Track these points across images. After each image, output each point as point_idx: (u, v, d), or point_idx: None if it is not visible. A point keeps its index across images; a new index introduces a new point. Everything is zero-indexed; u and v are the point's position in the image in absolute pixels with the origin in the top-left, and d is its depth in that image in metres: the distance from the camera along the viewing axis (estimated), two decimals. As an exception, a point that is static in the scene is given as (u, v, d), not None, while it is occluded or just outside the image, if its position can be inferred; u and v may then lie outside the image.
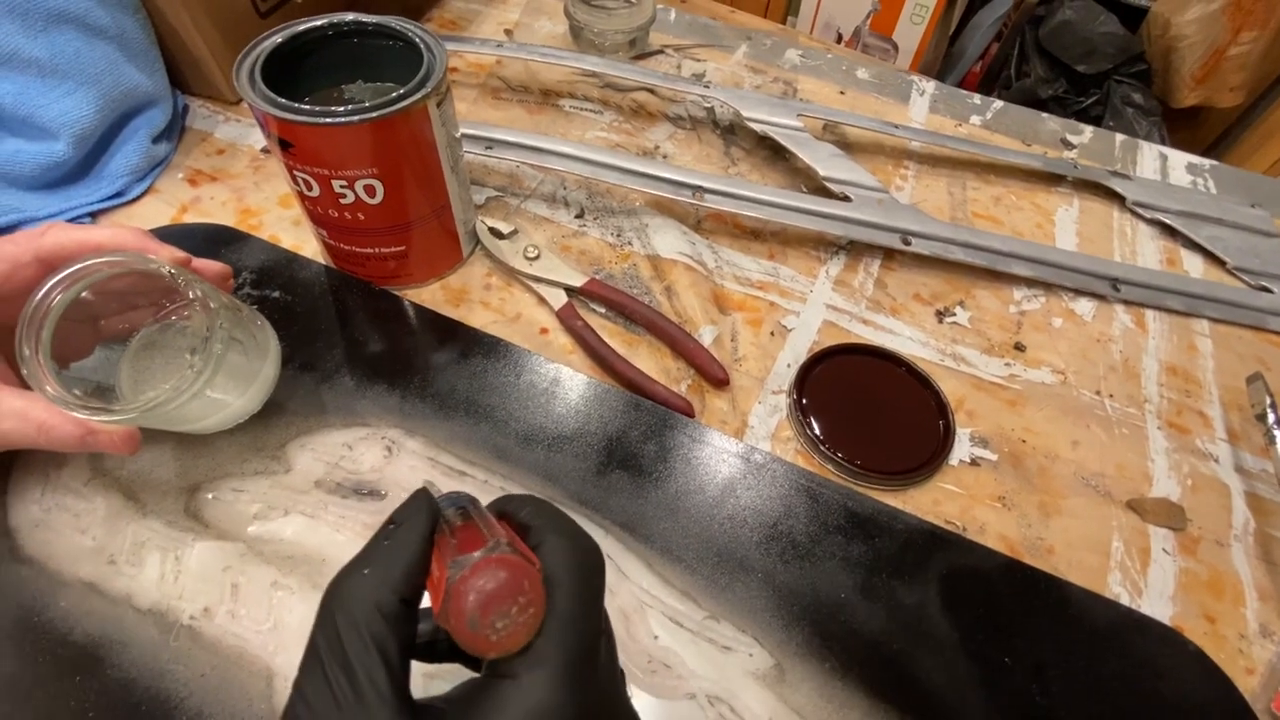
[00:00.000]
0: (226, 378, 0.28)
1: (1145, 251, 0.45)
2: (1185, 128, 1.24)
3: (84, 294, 0.26)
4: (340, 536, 0.29)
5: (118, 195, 0.41)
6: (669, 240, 0.42)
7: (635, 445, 0.33)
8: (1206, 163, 0.51)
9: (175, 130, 0.44)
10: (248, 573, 0.28)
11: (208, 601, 0.27)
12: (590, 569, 0.19)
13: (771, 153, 0.48)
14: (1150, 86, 1.21)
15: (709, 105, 0.51)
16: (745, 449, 0.33)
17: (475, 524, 0.19)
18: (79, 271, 0.25)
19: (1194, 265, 0.45)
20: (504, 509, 0.21)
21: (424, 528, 0.19)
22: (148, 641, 0.26)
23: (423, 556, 0.18)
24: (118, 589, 0.27)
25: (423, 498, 0.20)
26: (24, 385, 0.26)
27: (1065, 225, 0.46)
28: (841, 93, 0.54)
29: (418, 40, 0.32)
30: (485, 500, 0.22)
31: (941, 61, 1.35)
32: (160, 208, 0.41)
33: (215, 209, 0.41)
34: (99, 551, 0.28)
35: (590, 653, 0.17)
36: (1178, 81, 1.17)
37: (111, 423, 0.25)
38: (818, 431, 0.34)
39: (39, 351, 0.24)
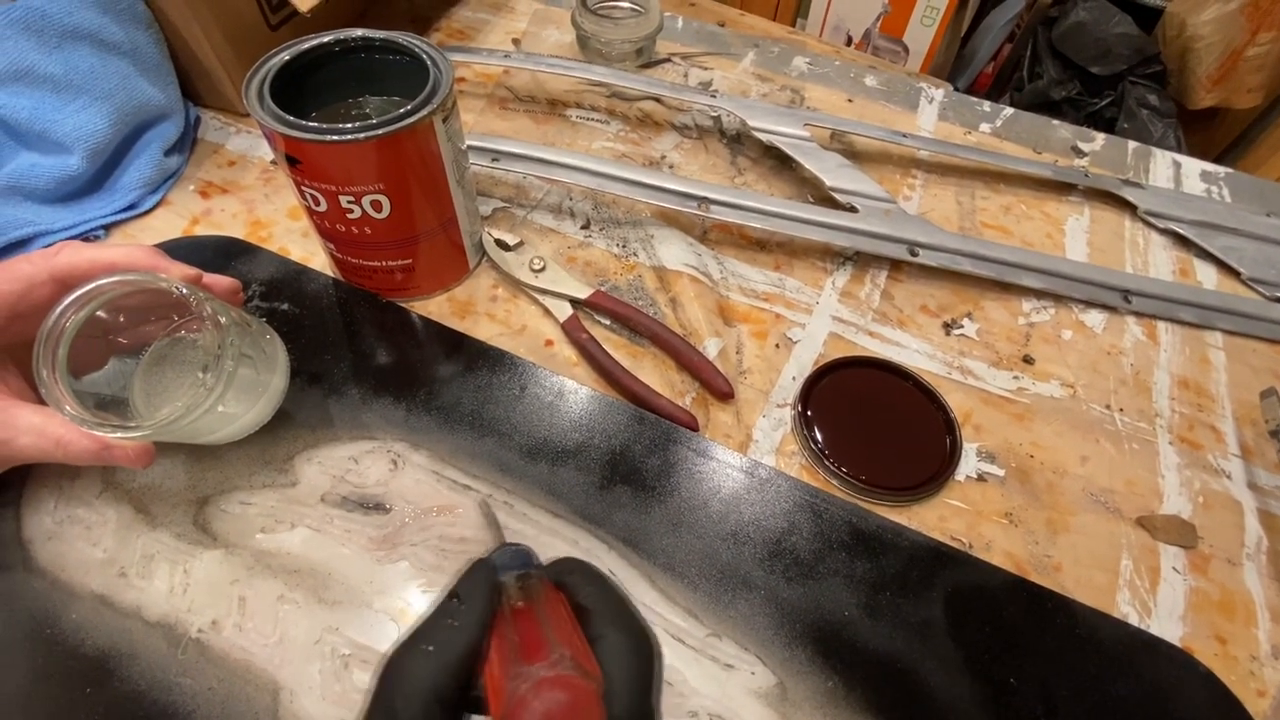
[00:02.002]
0: (237, 392, 0.28)
1: (1157, 262, 0.45)
2: (1201, 129, 1.22)
3: (97, 312, 0.26)
4: (346, 550, 0.29)
5: (131, 208, 0.41)
6: (674, 251, 0.42)
7: (639, 459, 0.33)
8: (1221, 170, 0.51)
9: (187, 143, 0.45)
10: (255, 586, 0.28)
11: (216, 614, 0.28)
12: (649, 672, 0.19)
13: (778, 162, 0.48)
14: (1165, 88, 1.19)
15: (716, 114, 0.51)
16: (749, 463, 0.33)
17: (536, 614, 0.19)
18: (92, 291, 0.25)
19: (1207, 276, 0.44)
20: (563, 579, 0.21)
21: (485, 609, 0.19)
22: (157, 654, 0.26)
23: (482, 640, 0.19)
24: (128, 601, 0.28)
25: (484, 573, 0.20)
26: (41, 401, 0.26)
27: (1076, 235, 0.46)
28: (849, 101, 0.54)
29: (424, 56, 0.33)
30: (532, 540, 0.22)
31: (953, 63, 1.34)
32: (172, 220, 0.42)
33: (226, 221, 0.42)
34: (110, 563, 0.29)
35: None
36: (1194, 82, 1.16)
37: (128, 439, 0.26)
38: (823, 445, 0.34)
39: (56, 371, 0.25)
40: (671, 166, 0.47)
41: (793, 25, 1.31)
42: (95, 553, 0.29)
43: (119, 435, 0.25)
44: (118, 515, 0.30)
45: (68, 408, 0.24)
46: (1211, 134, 1.23)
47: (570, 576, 0.21)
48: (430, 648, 0.18)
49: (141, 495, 0.30)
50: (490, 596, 0.19)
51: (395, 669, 0.18)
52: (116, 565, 0.29)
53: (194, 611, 0.28)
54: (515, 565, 0.21)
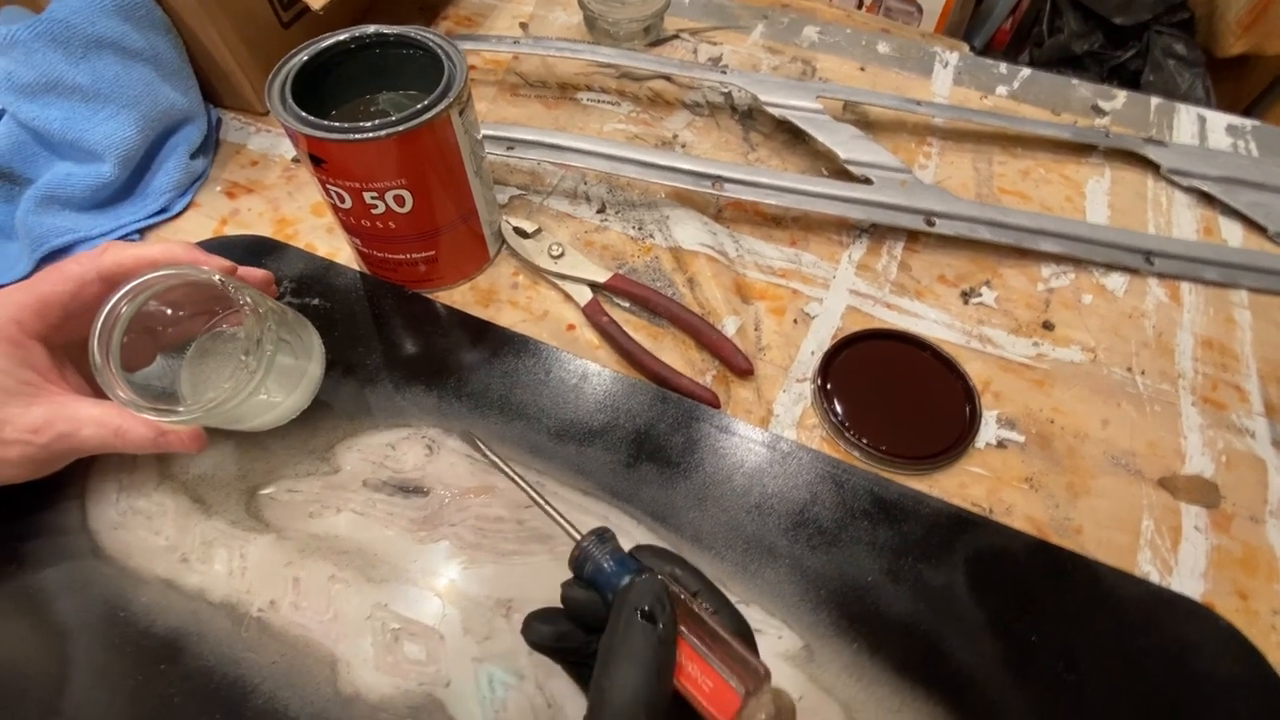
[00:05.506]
0: (278, 377, 0.29)
1: (1181, 221, 0.44)
2: (1231, 78, 1.17)
3: (146, 305, 0.28)
4: (389, 532, 0.31)
5: (162, 211, 0.43)
6: (690, 231, 0.42)
7: (663, 437, 0.34)
8: (1249, 123, 0.49)
9: (211, 145, 0.46)
10: (307, 567, 0.30)
11: (273, 594, 0.29)
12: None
13: (791, 136, 0.48)
14: (1193, 36, 1.15)
15: (726, 90, 0.51)
16: (771, 438, 0.34)
17: (715, 624, 0.20)
18: (141, 285, 0.27)
19: (1233, 234, 0.44)
20: (666, 572, 0.22)
21: (675, 624, 0.20)
22: (222, 632, 0.28)
23: (676, 650, 0.20)
24: (192, 584, 0.30)
25: (663, 590, 0.20)
26: (97, 395, 0.28)
27: (1096, 197, 0.45)
28: (861, 69, 0.53)
29: (438, 50, 0.33)
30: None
31: (969, 21, 1.30)
32: (202, 221, 0.43)
33: (253, 220, 0.43)
34: (172, 550, 0.31)
35: None
36: (1223, 29, 1.11)
37: (178, 423, 0.27)
38: (843, 418, 0.35)
39: (110, 359, 0.26)
40: (684, 146, 0.48)
41: (802, -11, 1.27)
42: (158, 540, 0.31)
43: (171, 420, 0.27)
44: (175, 505, 0.32)
45: (121, 392, 0.26)
46: (1242, 83, 1.19)
47: (667, 566, 0.22)
48: (640, 669, 0.19)
49: (196, 486, 0.32)
50: (674, 611, 0.20)
51: (617, 695, 0.18)
52: (178, 551, 0.31)
53: (253, 592, 0.29)
54: (633, 567, 0.21)
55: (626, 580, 0.21)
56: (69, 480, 0.32)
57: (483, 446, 0.27)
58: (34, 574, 0.30)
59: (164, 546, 0.31)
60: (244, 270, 0.31)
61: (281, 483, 0.32)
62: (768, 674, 0.19)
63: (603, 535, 0.23)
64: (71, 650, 0.28)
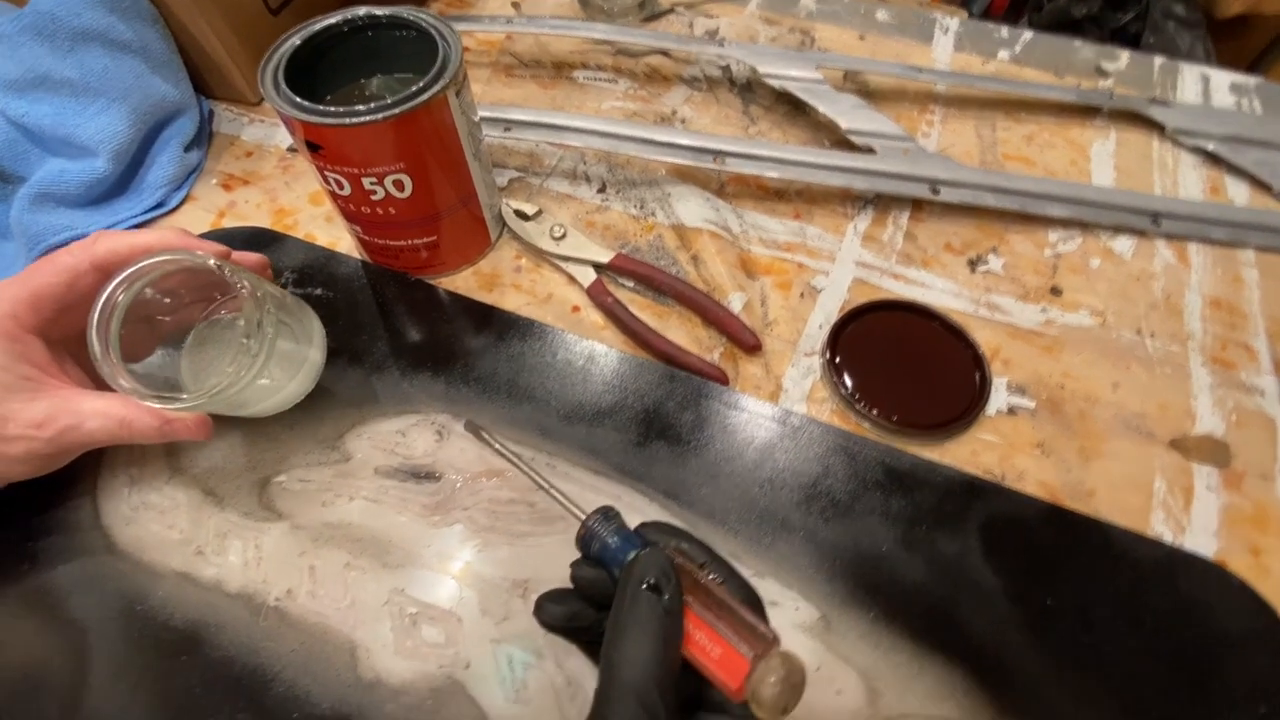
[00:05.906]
0: (279, 360, 0.29)
1: (1187, 182, 0.44)
2: (1232, 38, 1.16)
3: (143, 292, 0.27)
4: (402, 517, 0.31)
5: (159, 206, 0.42)
6: (692, 208, 0.42)
7: (673, 415, 0.33)
8: (1252, 81, 0.49)
9: (204, 137, 0.46)
10: (322, 555, 0.30)
11: (289, 584, 0.29)
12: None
13: (791, 108, 0.47)
14: (1193, -4, 1.13)
15: (724, 63, 0.50)
16: (781, 412, 0.34)
17: (721, 594, 0.20)
18: (137, 272, 0.26)
19: (1239, 193, 0.43)
20: (671, 545, 0.22)
21: (681, 595, 0.20)
22: (240, 623, 0.29)
23: (682, 621, 0.20)
24: (208, 576, 0.30)
25: (667, 562, 0.20)
26: (98, 389, 0.28)
27: (1101, 160, 0.45)
28: (861, 38, 0.52)
29: (431, 30, 0.32)
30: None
31: (964, -12, 1.27)
32: (200, 214, 0.43)
33: (251, 211, 0.43)
34: (186, 543, 0.31)
35: None
36: (1223, -12, 1.09)
37: (183, 409, 0.27)
38: (852, 390, 0.35)
39: (110, 348, 0.26)
40: (683, 121, 0.47)
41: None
42: (172, 534, 0.31)
43: (175, 407, 0.27)
44: (188, 498, 0.32)
45: (124, 381, 0.26)
46: (1242, 43, 1.17)
47: (672, 540, 0.22)
48: (647, 644, 0.19)
49: (207, 479, 0.32)
50: (679, 582, 0.20)
51: (620, 669, 0.18)
52: (193, 544, 0.31)
53: (269, 582, 0.30)
54: (637, 542, 0.21)
55: (631, 555, 0.21)
56: (80, 477, 0.32)
57: (487, 437, 0.27)
58: (48, 572, 0.30)
59: (178, 540, 0.31)
60: (238, 255, 0.30)
61: (293, 473, 0.32)
62: (776, 639, 0.19)
63: (607, 513, 0.23)
64: (90, 646, 0.28)
